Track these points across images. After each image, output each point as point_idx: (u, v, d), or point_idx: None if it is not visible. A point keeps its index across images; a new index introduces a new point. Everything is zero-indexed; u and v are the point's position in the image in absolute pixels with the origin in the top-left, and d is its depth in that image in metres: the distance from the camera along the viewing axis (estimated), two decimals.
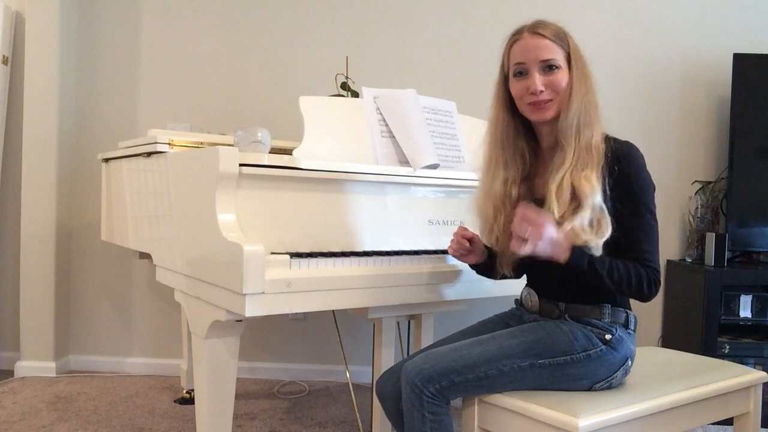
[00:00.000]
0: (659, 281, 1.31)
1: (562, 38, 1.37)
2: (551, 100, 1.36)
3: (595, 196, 1.28)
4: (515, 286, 1.76)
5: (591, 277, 1.29)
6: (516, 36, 1.41)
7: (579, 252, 1.28)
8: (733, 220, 2.64)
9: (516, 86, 1.40)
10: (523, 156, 1.45)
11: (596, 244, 1.28)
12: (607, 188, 1.30)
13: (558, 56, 1.35)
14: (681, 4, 2.88)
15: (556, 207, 1.29)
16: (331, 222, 1.65)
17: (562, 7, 2.86)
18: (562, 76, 1.35)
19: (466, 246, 1.54)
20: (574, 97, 1.34)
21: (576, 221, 1.27)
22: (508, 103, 1.44)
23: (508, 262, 1.48)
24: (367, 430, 2.15)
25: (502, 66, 1.44)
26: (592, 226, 1.28)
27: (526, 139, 1.46)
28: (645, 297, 1.31)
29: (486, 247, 1.57)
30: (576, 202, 1.29)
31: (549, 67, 1.36)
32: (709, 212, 2.76)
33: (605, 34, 2.87)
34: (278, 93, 2.94)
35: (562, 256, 1.27)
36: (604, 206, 1.29)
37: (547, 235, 1.24)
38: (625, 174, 1.31)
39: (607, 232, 1.28)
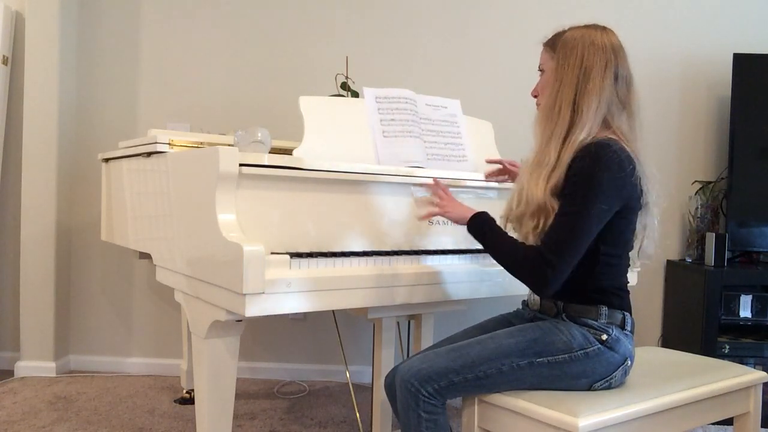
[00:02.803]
0: (547, 275, 1.26)
1: (553, 43, 1.43)
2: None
3: (538, 202, 1.31)
4: (515, 287, 1.77)
5: (482, 244, 1.40)
6: None
7: (481, 220, 1.40)
8: (733, 220, 2.64)
9: None
10: None
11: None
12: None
13: (544, 61, 1.46)
14: (681, 4, 2.88)
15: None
16: (331, 222, 1.65)
17: (563, 7, 2.86)
18: (543, 79, 1.46)
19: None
20: (540, 97, 1.45)
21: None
22: None
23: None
24: (367, 430, 2.15)
25: None
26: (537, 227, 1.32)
27: None
28: (530, 283, 1.31)
29: None
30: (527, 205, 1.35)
31: (540, 72, 1.48)
32: (709, 212, 2.76)
33: None
34: (278, 93, 2.95)
35: (463, 221, 1.44)
36: (552, 207, 1.30)
37: (451, 203, 1.49)
38: (575, 169, 1.29)
39: None
